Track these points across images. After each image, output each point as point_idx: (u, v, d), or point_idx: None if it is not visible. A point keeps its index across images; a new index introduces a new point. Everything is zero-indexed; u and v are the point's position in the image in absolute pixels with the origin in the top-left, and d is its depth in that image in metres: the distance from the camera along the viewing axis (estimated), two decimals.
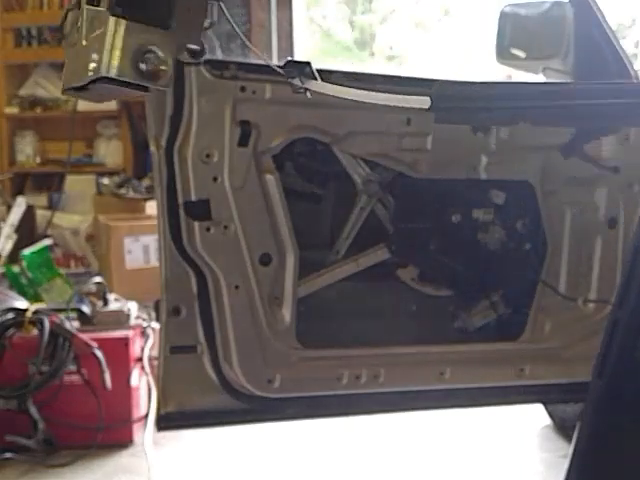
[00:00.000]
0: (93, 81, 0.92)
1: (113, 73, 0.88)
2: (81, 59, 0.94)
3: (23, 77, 6.13)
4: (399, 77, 2.33)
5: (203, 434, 3.19)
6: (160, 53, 0.88)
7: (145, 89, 0.91)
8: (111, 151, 6.11)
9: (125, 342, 3.19)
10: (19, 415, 3.03)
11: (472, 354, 2.47)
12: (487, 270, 2.53)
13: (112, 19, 0.87)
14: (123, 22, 0.87)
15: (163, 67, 0.88)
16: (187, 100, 2.10)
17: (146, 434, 3.12)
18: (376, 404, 2.42)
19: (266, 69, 2.22)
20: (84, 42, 0.96)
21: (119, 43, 0.87)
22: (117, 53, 0.87)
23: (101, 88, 0.94)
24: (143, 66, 0.88)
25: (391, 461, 3.07)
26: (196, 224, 2.16)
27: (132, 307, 3.37)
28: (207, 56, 2.15)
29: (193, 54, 0.95)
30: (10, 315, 3.18)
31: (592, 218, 2.50)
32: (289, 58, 1.09)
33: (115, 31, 0.88)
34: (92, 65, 0.91)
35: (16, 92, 6.09)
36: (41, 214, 5.61)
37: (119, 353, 3.17)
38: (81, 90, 1.01)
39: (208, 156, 2.14)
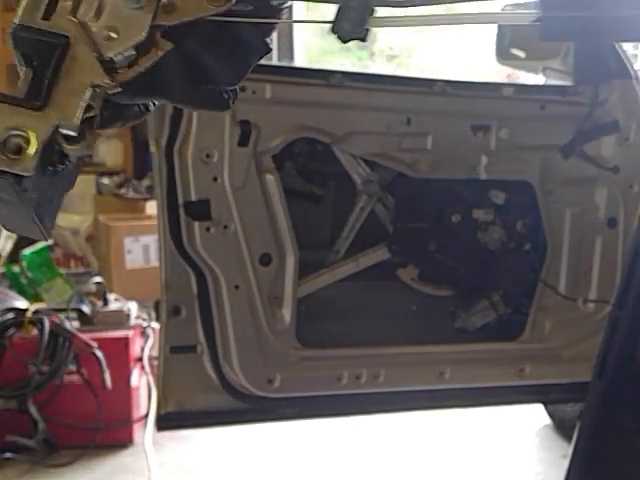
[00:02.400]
0: None
1: None
2: None
3: None
4: (399, 77, 2.33)
5: (203, 434, 3.19)
6: (26, 135, 0.77)
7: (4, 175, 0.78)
8: (111, 151, 6.10)
9: (125, 342, 3.19)
10: (19, 415, 3.03)
11: (472, 354, 2.47)
12: (487, 270, 2.53)
13: None
14: None
15: (28, 151, 0.77)
16: None
17: (146, 434, 3.12)
18: (376, 404, 2.42)
19: (266, 69, 2.23)
20: None
21: None
22: None
23: None
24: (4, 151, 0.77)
25: (391, 461, 3.07)
26: (196, 224, 2.16)
27: (132, 307, 3.37)
28: None
29: (68, 140, 0.80)
30: (10, 315, 3.18)
31: (592, 218, 2.50)
32: None
33: None
34: None
35: None
36: None
37: (119, 353, 3.17)
38: None
39: (208, 156, 2.14)
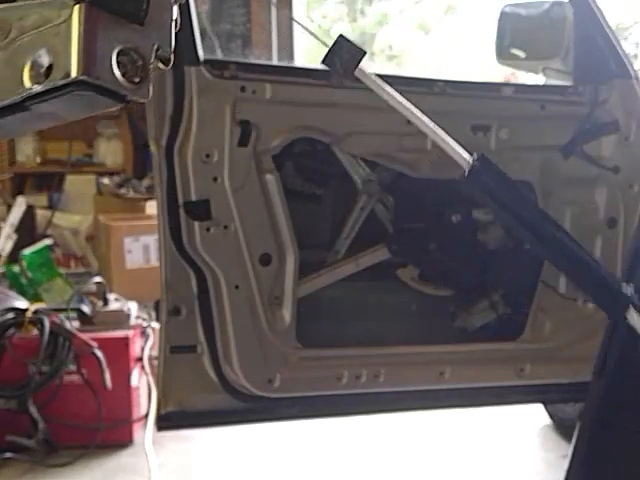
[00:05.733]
0: (38, 94, 0.68)
1: (91, 75, 0.66)
2: (9, 65, 0.69)
3: None
4: (399, 77, 2.33)
5: (203, 434, 3.20)
6: (135, 56, 0.70)
7: (123, 99, 0.71)
8: (111, 151, 6.11)
9: (125, 342, 3.19)
10: (19, 415, 3.03)
11: (472, 354, 2.47)
12: (487, 270, 2.53)
13: (77, 7, 0.67)
14: (91, 11, 0.67)
15: (141, 73, 0.70)
16: (187, 100, 2.10)
17: (146, 434, 3.12)
18: (376, 404, 2.42)
19: (266, 69, 2.23)
20: (14, 40, 0.71)
21: (90, 39, 0.67)
22: (91, 51, 0.66)
23: (45, 107, 0.70)
24: (117, 72, 0.69)
25: (391, 461, 3.07)
26: (196, 224, 2.16)
27: (132, 307, 3.37)
28: (207, 56, 2.16)
29: (164, 62, 0.74)
30: (10, 315, 3.18)
31: (592, 218, 2.50)
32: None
33: (84, 24, 0.67)
34: (38, 69, 0.68)
35: None
36: (41, 214, 5.61)
37: (119, 353, 3.17)
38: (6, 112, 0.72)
39: (208, 156, 2.14)
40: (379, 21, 7.72)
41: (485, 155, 1.07)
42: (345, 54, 0.96)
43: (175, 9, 0.77)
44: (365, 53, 0.97)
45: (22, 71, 0.69)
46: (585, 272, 1.19)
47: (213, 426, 2.56)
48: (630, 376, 1.35)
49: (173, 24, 0.76)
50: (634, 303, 1.16)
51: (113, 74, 0.69)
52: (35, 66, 0.69)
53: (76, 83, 0.67)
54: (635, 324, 1.15)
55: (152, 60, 0.73)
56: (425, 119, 1.07)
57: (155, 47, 0.74)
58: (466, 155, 1.04)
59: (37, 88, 0.69)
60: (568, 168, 2.44)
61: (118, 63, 0.69)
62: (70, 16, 0.67)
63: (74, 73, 0.66)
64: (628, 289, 1.17)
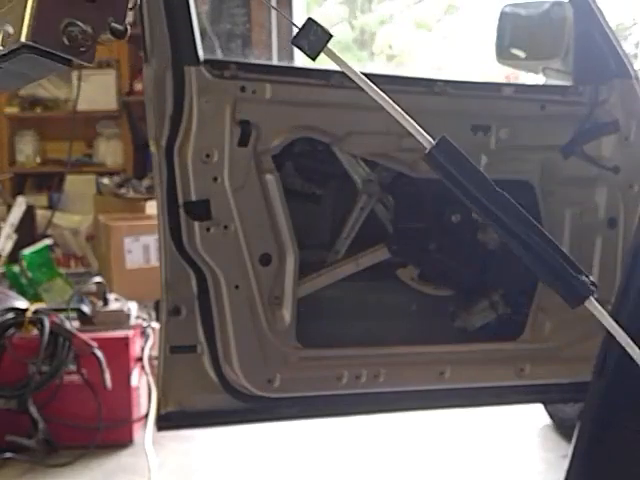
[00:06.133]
0: (3, 55, 0.87)
1: (35, 39, 0.82)
2: None
3: None
4: (399, 77, 2.33)
5: (203, 434, 3.19)
6: (84, 27, 0.84)
7: (68, 62, 0.85)
8: (111, 151, 6.11)
9: (125, 342, 3.19)
10: (19, 415, 3.03)
11: (472, 354, 2.47)
12: (487, 270, 2.53)
13: None
14: None
15: (87, 39, 0.84)
16: (187, 100, 2.10)
17: (146, 434, 3.12)
18: (376, 404, 2.42)
19: (266, 69, 2.23)
20: None
21: (41, 11, 0.82)
22: (39, 21, 0.82)
23: (10, 66, 0.87)
24: (66, 40, 0.84)
25: (391, 461, 3.07)
26: (196, 224, 2.16)
27: (132, 307, 3.37)
28: (207, 56, 2.16)
29: (116, 34, 0.87)
30: (10, 315, 3.18)
31: (592, 218, 2.50)
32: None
33: (35, 0, 0.83)
34: (6, 36, 0.86)
35: (16, 92, 6.08)
36: (41, 214, 5.61)
37: (119, 353, 3.17)
38: None
39: (208, 156, 2.14)
40: (379, 21, 7.72)
41: (446, 137, 1.12)
42: (312, 36, 1.03)
43: None
44: (331, 36, 1.04)
45: None
46: (543, 261, 1.21)
47: (213, 426, 2.56)
48: (630, 376, 1.35)
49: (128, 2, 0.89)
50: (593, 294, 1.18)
51: (59, 41, 0.83)
52: (4, 34, 0.85)
53: (26, 47, 0.83)
54: (594, 311, 1.19)
55: (102, 32, 0.86)
56: (387, 98, 1.10)
57: (108, 21, 0.86)
58: (429, 138, 1.10)
59: (1, 50, 0.86)
60: (568, 168, 2.44)
61: (69, 33, 0.83)
62: None
63: (23, 38, 0.82)
64: (587, 280, 1.19)
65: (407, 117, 1.13)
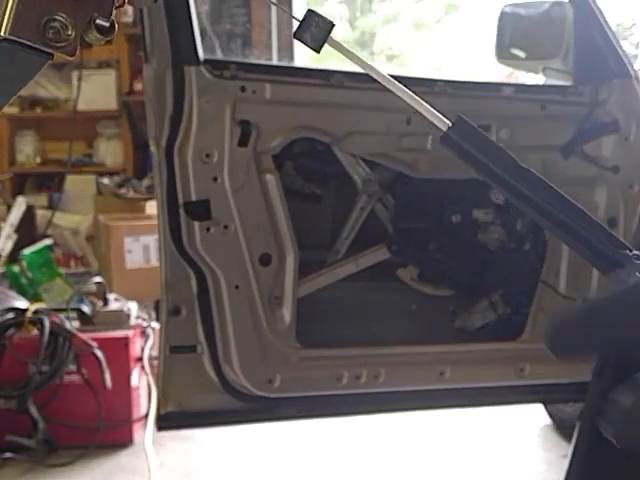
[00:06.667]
0: None
1: (15, 34, 0.82)
2: None
3: None
4: (399, 77, 2.32)
5: (203, 434, 3.19)
6: (66, 21, 0.84)
7: (49, 56, 0.86)
8: (111, 151, 6.11)
9: (125, 342, 3.19)
10: (19, 415, 3.03)
11: (472, 354, 2.47)
12: (487, 270, 2.53)
13: None
14: None
15: (68, 34, 0.84)
16: (187, 100, 2.10)
17: (146, 434, 3.12)
18: (376, 404, 2.42)
19: (266, 69, 2.23)
20: None
21: (21, 6, 0.82)
22: (19, 15, 0.82)
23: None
24: (47, 34, 0.84)
25: (391, 461, 3.07)
26: (196, 224, 2.16)
27: (132, 307, 3.37)
28: (207, 56, 2.16)
29: (101, 31, 0.87)
30: (10, 315, 3.18)
31: None
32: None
33: None
34: None
35: None
36: (41, 214, 5.61)
37: (119, 353, 3.17)
38: None
39: (208, 156, 2.14)
40: (379, 21, 7.72)
41: (463, 117, 1.09)
42: (314, 28, 1.01)
43: None
44: (334, 25, 1.02)
45: None
46: (580, 236, 1.16)
47: (213, 426, 2.56)
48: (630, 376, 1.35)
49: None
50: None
51: (40, 35, 0.83)
52: None
53: (6, 40, 0.83)
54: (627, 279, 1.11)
55: (87, 28, 0.85)
56: (399, 84, 1.09)
57: (92, 16, 0.85)
58: (445, 120, 1.08)
59: None
60: (568, 168, 2.44)
61: (50, 27, 0.83)
62: None
63: (2, 32, 0.82)
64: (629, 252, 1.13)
65: (418, 98, 1.12)
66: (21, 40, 0.83)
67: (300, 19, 1.03)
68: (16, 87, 0.92)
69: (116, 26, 0.88)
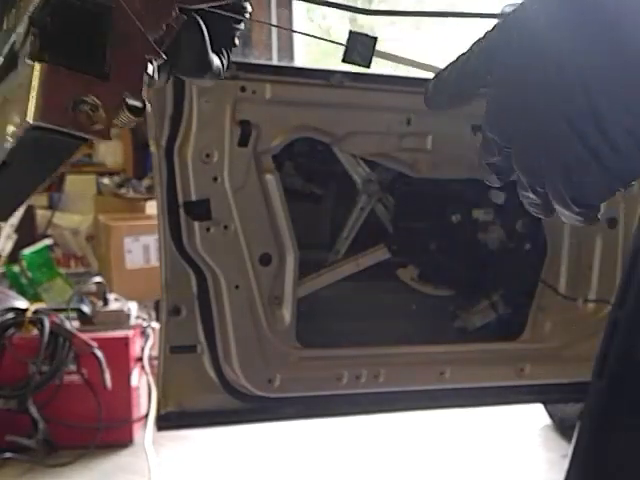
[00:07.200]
0: (13, 151, 0.76)
1: (44, 119, 0.73)
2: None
3: None
4: (399, 77, 2.33)
5: (203, 434, 3.19)
6: (96, 102, 0.76)
7: (83, 141, 0.77)
8: (111, 151, 6.11)
9: (125, 342, 3.19)
10: (19, 415, 3.03)
11: (472, 354, 2.47)
12: (487, 270, 2.53)
13: (38, 65, 0.73)
14: (52, 67, 0.74)
15: (101, 116, 0.76)
16: (187, 100, 2.10)
17: (146, 434, 3.12)
18: (376, 404, 2.42)
19: (266, 69, 2.23)
20: None
21: (48, 90, 0.73)
22: (46, 101, 0.73)
23: (25, 154, 0.78)
24: (77, 117, 0.75)
25: (391, 461, 3.07)
26: (196, 224, 2.16)
27: (132, 307, 3.37)
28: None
29: (133, 111, 0.79)
30: (10, 315, 3.18)
31: None
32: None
33: (43, 78, 0.73)
34: (11, 130, 0.75)
35: None
36: (41, 214, 5.61)
37: (119, 353, 3.17)
38: None
39: (208, 156, 2.14)
40: (379, 21, 7.72)
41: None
42: (360, 46, 1.02)
43: (150, 66, 0.81)
44: (376, 39, 1.02)
45: (6, 132, 0.77)
46: None
47: (213, 426, 2.56)
48: (630, 376, 1.35)
49: (145, 77, 0.81)
50: None
51: (70, 119, 0.74)
52: (14, 128, 0.76)
53: (34, 128, 0.74)
54: None
55: (119, 108, 0.78)
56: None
57: (123, 96, 0.78)
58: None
59: (9, 144, 0.76)
60: None
61: (79, 110, 0.75)
62: (32, 76, 0.74)
63: (30, 119, 0.73)
64: None
65: None
66: (50, 126, 0.74)
67: (345, 44, 1.03)
68: (46, 175, 0.86)
69: (148, 105, 0.81)
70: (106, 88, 0.77)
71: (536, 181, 0.62)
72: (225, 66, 0.96)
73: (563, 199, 0.59)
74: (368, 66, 1.02)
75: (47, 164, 0.83)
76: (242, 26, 0.97)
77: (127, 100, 0.78)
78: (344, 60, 1.02)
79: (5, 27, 0.84)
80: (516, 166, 0.64)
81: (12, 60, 0.81)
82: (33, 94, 0.74)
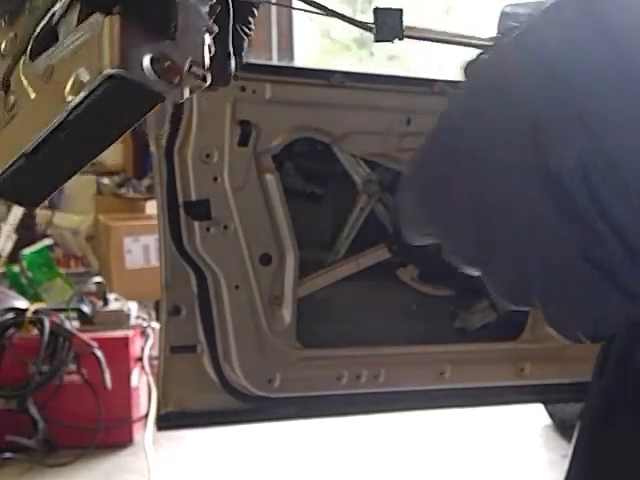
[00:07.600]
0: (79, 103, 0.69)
1: (120, 69, 0.67)
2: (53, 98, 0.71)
3: None
4: (399, 77, 2.33)
5: (203, 434, 3.20)
6: (168, 62, 0.72)
7: (160, 98, 0.73)
8: (111, 151, 6.10)
9: (125, 342, 3.20)
10: (19, 415, 3.03)
11: (472, 354, 2.47)
12: None
13: (107, 20, 0.69)
14: (124, 20, 0.69)
15: (176, 75, 0.72)
16: (187, 100, 2.10)
17: (146, 434, 3.12)
18: (376, 404, 2.42)
19: (266, 69, 2.23)
20: (31, 93, 0.73)
21: (122, 42, 0.69)
22: (122, 51, 0.68)
23: (98, 107, 0.71)
24: (153, 73, 0.70)
25: (391, 461, 3.07)
26: (196, 224, 2.16)
27: (132, 307, 3.37)
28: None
29: (199, 78, 0.77)
30: (10, 315, 3.18)
31: None
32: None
33: (112, 32, 0.69)
34: (78, 85, 0.69)
35: None
36: (41, 214, 5.61)
37: (119, 353, 3.18)
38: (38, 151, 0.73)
39: (208, 156, 2.14)
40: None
41: None
42: (389, 21, 0.98)
43: (207, 36, 0.79)
44: (402, 10, 0.99)
45: (63, 92, 0.71)
46: None
47: (213, 426, 2.56)
48: (630, 376, 1.35)
49: (206, 48, 0.79)
50: None
51: (147, 73, 0.70)
52: (75, 84, 0.71)
53: (111, 77, 0.69)
54: None
55: (186, 72, 0.76)
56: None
57: (189, 61, 0.76)
58: None
59: (77, 98, 0.70)
60: None
61: (154, 67, 0.71)
62: (102, 30, 0.70)
63: (106, 69, 0.68)
64: None
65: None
66: (128, 76, 0.69)
67: (372, 24, 0.99)
68: (124, 126, 0.79)
69: (209, 79, 0.80)
70: (174, 49, 0.74)
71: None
72: (233, 72, 0.95)
73: (569, 332, 0.54)
74: (401, 39, 0.99)
75: (121, 119, 0.77)
76: (252, 30, 0.95)
77: (192, 67, 0.76)
78: (377, 40, 0.98)
79: (29, 5, 0.79)
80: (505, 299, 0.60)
81: (49, 35, 0.77)
82: (107, 46, 0.69)
